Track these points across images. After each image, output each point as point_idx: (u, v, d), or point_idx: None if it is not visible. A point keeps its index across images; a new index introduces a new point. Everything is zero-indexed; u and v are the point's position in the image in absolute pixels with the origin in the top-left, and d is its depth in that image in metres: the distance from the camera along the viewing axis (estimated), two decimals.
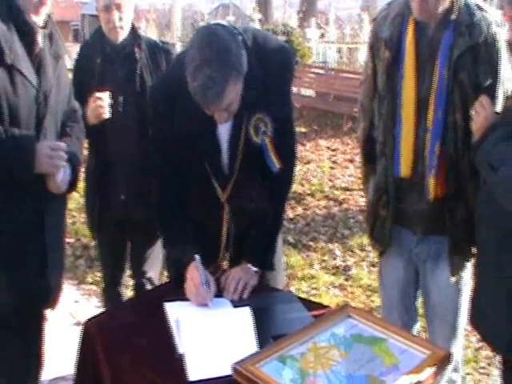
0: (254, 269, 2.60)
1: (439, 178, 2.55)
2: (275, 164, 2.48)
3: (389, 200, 2.72)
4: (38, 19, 2.43)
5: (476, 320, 2.47)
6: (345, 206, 7.30)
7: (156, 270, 3.79)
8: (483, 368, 3.96)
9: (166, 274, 3.53)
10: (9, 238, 2.45)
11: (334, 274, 5.46)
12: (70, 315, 4.60)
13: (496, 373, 3.77)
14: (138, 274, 3.78)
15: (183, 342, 2.14)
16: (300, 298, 2.58)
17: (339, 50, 17.77)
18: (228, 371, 1.96)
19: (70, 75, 2.82)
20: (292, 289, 5.00)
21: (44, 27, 2.47)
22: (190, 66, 2.19)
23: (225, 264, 2.82)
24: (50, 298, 2.65)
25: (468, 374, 3.87)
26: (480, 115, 2.30)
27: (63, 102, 2.63)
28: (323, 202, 7.44)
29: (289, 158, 2.62)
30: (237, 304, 2.41)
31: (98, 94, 3.14)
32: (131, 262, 3.82)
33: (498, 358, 2.96)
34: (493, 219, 2.29)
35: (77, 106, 2.79)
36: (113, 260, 3.76)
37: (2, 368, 2.65)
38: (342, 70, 14.36)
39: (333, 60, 16.96)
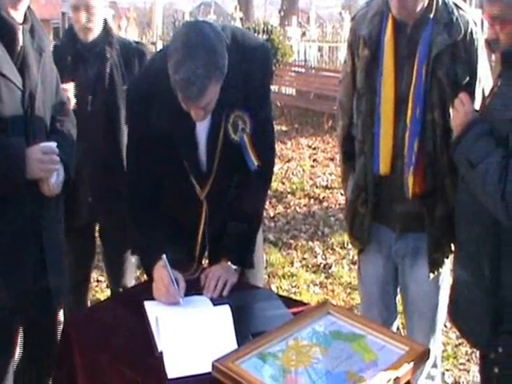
0: (234, 267, 2.60)
1: (418, 175, 2.56)
2: (253, 161, 2.48)
3: (367, 197, 2.73)
4: (16, 14, 2.36)
5: (454, 316, 2.49)
6: (325, 204, 7.32)
7: (131, 277, 3.74)
8: (463, 364, 3.99)
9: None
10: (5, 240, 2.41)
11: (314, 272, 5.48)
12: None
13: (475, 369, 3.80)
14: (114, 282, 3.73)
15: (162, 340, 2.13)
16: (280, 296, 2.58)
17: (320, 49, 17.81)
18: (207, 369, 1.96)
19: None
20: (272, 287, 5.01)
21: (24, 22, 2.41)
22: (173, 59, 2.17)
23: (204, 262, 2.82)
24: (51, 301, 2.59)
25: (447, 370, 3.90)
26: (459, 112, 2.31)
27: (50, 97, 2.57)
28: (304, 201, 7.46)
29: (268, 155, 2.63)
30: (216, 302, 2.41)
31: (63, 86, 3.10)
32: (106, 268, 3.77)
33: (477, 353, 2.98)
34: (471, 215, 2.30)
35: (65, 98, 2.75)
36: (77, 265, 3.55)
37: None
38: (322, 69, 14.43)
39: (313, 59, 17.00)
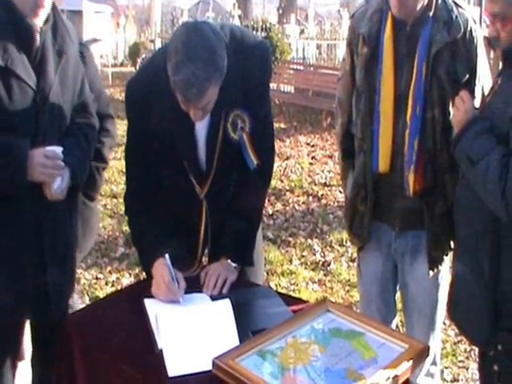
0: (234, 264, 2.60)
1: (418, 173, 2.57)
2: (253, 160, 2.48)
3: (367, 195, 2.73)
4: (36, 21, 2.35)
5: (453, 313, 2.49)
6: (324, 201, 7.33)
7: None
8: (461, 362, 3.99)
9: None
10: (5, 240, 2.40)
11: (313, 270, 5.48)
12: None
13: (474, 366, 3.81)
14: None
15: (163, 338, 2.13)
16: (279, 294, 2.59)
17: (318, 47, 17.82)
18: (208, 366, 1.96)
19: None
20: (271, 284, 5.01)
21: (44, 22, 2.38)
22: (172, 60, 2.17)
23: (204, 260, 2.82)
24: (50, 302, 2.55)
25: (446, 367, 3.90)
26: (460, 109, 2.32)
27: (70, 99, 2.54)
28: (302, 198, 7.46)
29: (267, 154, 2.63)
30: (216, 298, 2.41)
31: None
32: None
33: (476, 351, 2.99)
34: (471, 211, 2.31)
35: (89, 100, 2.72)
36: None
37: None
38: (320, 66, 14.46)
39: (312, 56, 17.03)
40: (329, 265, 5.56)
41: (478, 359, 2.61)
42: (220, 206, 2.66)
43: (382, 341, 2.08)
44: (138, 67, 14.96)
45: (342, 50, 14.48)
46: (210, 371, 1.95)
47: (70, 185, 2.47)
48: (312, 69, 14.11)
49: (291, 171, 8.58)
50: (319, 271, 5.45)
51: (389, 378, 1.87)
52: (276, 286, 5.05)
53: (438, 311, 2.84)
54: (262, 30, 15.66)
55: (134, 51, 18.56)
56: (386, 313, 2.94)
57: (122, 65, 20.53)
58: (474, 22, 2.55)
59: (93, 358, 2.18)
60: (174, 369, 2.02)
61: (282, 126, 11.74)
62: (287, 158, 9.27)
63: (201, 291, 2.49)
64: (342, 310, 2.26)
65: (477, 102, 2.48)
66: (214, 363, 1.93)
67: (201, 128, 2.48)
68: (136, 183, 2.63)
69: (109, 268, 5.36)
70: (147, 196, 2.60)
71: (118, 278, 5.19)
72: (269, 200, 7.08)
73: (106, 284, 5.03)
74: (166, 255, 2.42)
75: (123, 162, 2.73)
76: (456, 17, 2.51)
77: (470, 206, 2.31)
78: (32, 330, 2.74)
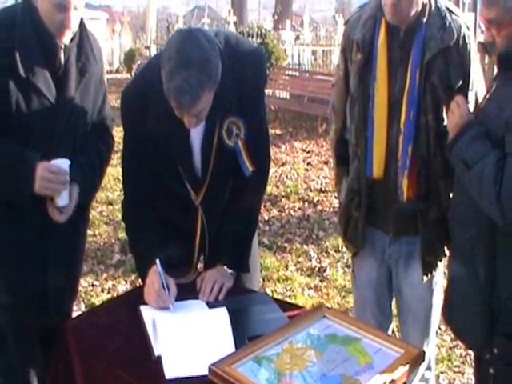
0: (230, 271, 2.60)
1: (412, 178, 2.58)
2: (248, 167, 2.48)
3: (361, 201, 2.74)
4: (63, 40, 2.41)
5: (449, 317, 2.50)
6: (319, 207, 7.33)
7: None
8: (457, 366, 4.00)
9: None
10: (8, 245, 2.45)
11: (309, 276, 5.48)
12: None
13: (470, 371, 3.81)
14: None
15: (160, 343, 2.14)
16: (275, 300, 2.59)
17: (314, 53, 17.84)
18: (205, 371, 1.96)
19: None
20: (267, 290, 5.01)
21: (71, 41, 2.46)
22: (166, 67, 2.17)
23: (200, 266, 2.83)
24: (48, 305, 2.59)
25: (442, 372, 3.91)
26: (455, 114, 2.33)
27: (88, 116, 2.61)
28: (298, 204, 7.46)
29: (263, 160, 2.63)
30: (212, 305, 2.41)
31: None
32: None
33: (472, 356, 2.99)
34: (466, 216, 2.32)
35: (109, 117, 2.78)
36: None
37: None
38: (316, 72, 14.47)
39: (307, 62, 17.04)
40: (325, 271, 5.56)
41: (473, 364, 2.62)
42: (215, 213, 2.66)
43: (378, 346, 2.08)
44: (133, 74, 14.98)
45: (337, 56, 14.49)
46: (206, 376, 1.95)
47: (78, 201, 2.53)
48: (307, 75, 14.14)
49: (287, 177, 8.58)
50: (315, 277, 5.45)
51: (385, 382, 1.88)
52: (272, 292, 5.05)
53: (432, 316, 2.84)
54: (258, 36, 15.69)
55: (129, 58, 18.56)
56: (381, 319, 2.94)
57: (117, 71, 20.52)
58: (468, 28, 2.57)
59: (89, 364, 2.17)
60: (171, 371, 2.02)
61: (278, 132, 11.74)
62: (283, 164, 9.27)
63: (197, 298, 2.49)
64: (338, 315, 2.26)
65: (470, 108, 2.49)
66: (210, 369, 1.93)
67: (196, 135, 2.48)
68: (132, 189, 2.63)
69: (105, 275, 5.35)
70: (144, 202, 2.60)
71: (114, 285, 5.18)
72: (264, 206, 7.08)
73: (102, 291, 5.02)
74: (157, 261, 2.42)
75: (119, 169, 2.74)
76: (449, 23, 2.53)
77: (465, 210, 2.32)
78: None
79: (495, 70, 2.36)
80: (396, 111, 2.57)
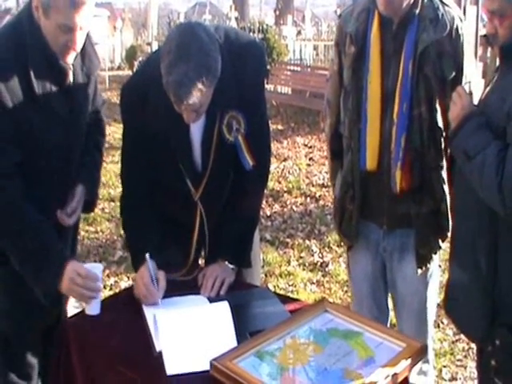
0: (231, 266, 2.60)
1: (405, 170, 2.57)
2: (248, 162, 2.48)
3: (355, 194, 2.74)
4: (68, 59, 2.39)
5: (451, 309, 2.49)
6: (322, 202, 7.33)
7: None
8: (460, 360, 3.99)
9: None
10: None
11: (311, 271, 5.48)
12: None
13: (472, 365, 3.81)
14: None
15: (162, 339, 2.13)
16: (277, 295, 2.59)
17: (315, 48, 17.82)
18: (207, 366, 1.96)
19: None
20: (270, 286, 5.01)
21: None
22: (166, 61, 2.17)
23: (201, 262, 2.82)
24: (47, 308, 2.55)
25: (445, 366, 3.91)
26: (457, 105, 2.32)
27: (88, 112, 2.64)
28: (300, 199, 7.46)
29: (264, 154, 2.63)
30: (214, 300, 2.41)
31: None
32: None
33: (474, 350, 2.99)
34: (468, 208, 2.31)
35: (100, 102, 2.79)
36: None
37: None
38: (318, 67, 14.42)
39: (309, 57, 17.02)
40: (327, 266, 5.56)
41: (476, 357, 2.61)
42: (215, 209, 2.66)
43: (380, 340, 2.08)
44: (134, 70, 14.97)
45: None
46: (208, 371, 1.95)
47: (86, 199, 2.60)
48: (309, 70, 14.11)
49: (289, 172, 8.58)
50: (317, 272, 5.45)
51: (388, 376, 1.88)
52: (274, 287, 5.05)
53: (428, 309, 2.84)
54: (259, 31, 15.66)
55: (130, 54, 18.56)
56: (377, 313, 2.93)
57: (118, 68, 20.54)
58: (460, 19, 2.57)
59: (91, 360, 2.18)
60: (172, 367, 2.02)
61: (280, 127, 11.73)
62: (285, 160, 9.26)
63: (198, 293, 2.49)
64: (339, 310, 2.27)
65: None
66: (211, 365, 1.94)
67: (196, 130, 2.48)
68: (131, 185, 2.63)
69: (107, 271, 5.35)
70: (142, 198, 2.60)
71: (116, 282, 5.20)
72: (267, 201, 7.08)
73: (105, 287, 5.02)
74: (147, 256, 2.41)
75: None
76: (442, 15, 2.53)
77: (466, 202, 2.32)
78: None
79: (497, 62, 2.35)
80: (389, 103, 2.56)
